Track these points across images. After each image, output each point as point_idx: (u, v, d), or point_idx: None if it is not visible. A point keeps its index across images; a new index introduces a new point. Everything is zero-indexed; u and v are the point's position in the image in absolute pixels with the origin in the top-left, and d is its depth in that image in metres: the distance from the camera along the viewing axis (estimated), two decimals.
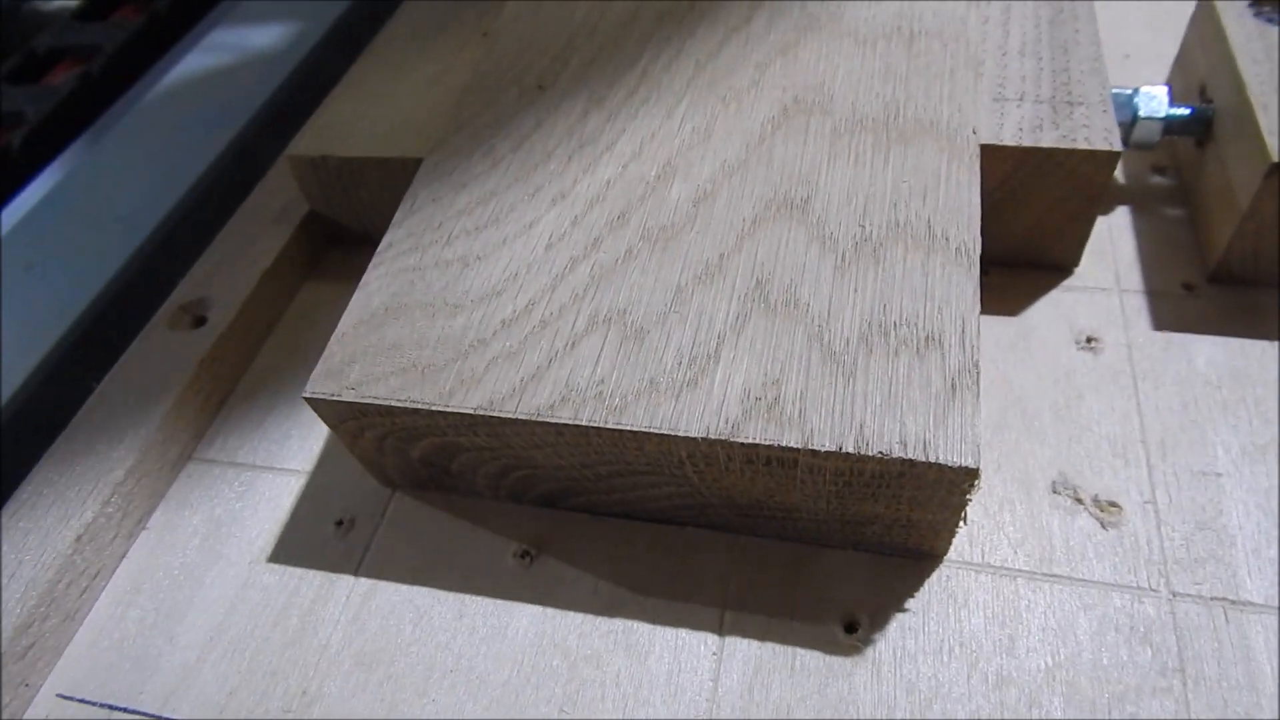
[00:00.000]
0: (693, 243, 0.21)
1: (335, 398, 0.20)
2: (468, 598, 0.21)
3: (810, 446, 0.17)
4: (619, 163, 0.23)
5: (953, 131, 0.22)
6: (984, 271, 0.26)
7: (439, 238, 0.23)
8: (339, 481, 0.24)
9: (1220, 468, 0.21)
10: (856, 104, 0.23)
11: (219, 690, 0.20)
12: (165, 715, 0.20)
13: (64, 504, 0.23)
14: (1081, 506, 0.21)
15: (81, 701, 0.21)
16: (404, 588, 0.22)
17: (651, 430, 0.18)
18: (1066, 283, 0.25)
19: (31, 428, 0.27)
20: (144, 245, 0.35)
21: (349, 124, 0.29)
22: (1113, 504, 0.21)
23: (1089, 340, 0.24)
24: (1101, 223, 0.27)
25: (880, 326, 0.19)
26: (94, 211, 0.40)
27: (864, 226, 0.21)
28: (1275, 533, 0.20)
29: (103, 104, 0.51)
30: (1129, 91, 0.26)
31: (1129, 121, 0.26)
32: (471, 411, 0.19)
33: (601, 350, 0.20)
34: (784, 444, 0.18)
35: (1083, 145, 0.23)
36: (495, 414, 0.19)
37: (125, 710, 0.20)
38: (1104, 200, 0.27)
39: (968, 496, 0.18)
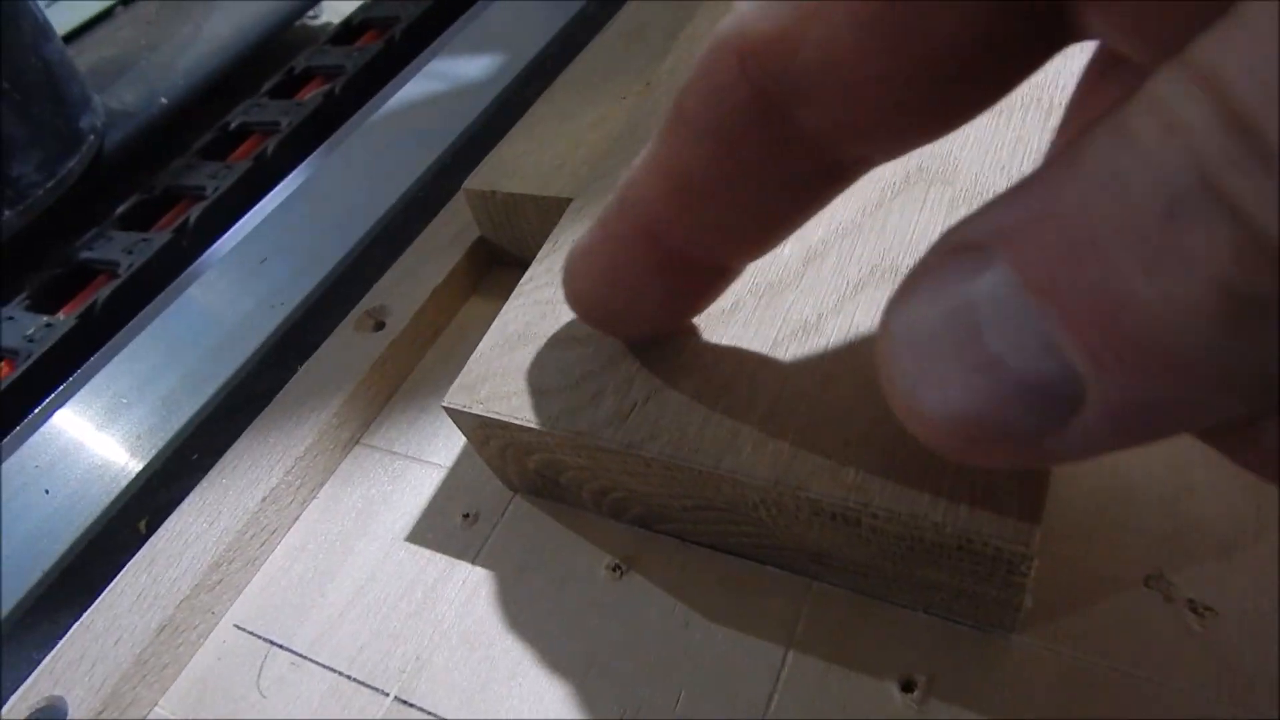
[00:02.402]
0: (795, 301, 0.23)
1: (466, 409, 0.23)
2: (562, 599, 0.24)
3: (870, 508, 0.18)
4: None
5: None
6: None
7: None
8: (471, 479, 0.27)
9: None
10: (980, 175, 0.24)
11: (352, 644, 0.24)
12: (310, 657, 0.24)
13: (256, 469, 0.27)
14: (1173, 605, 0.20)
15: (250, 634, 0.25)
16: (510, 581, 0.24)
17: (726, 474, 0.20)
18: None
19: (246, 401, 0.33)
20: (348, 252, 0.41)
21: (517, 162, 0.32)
22: (1208, 608, 0.20)
23: None
24: None
25: None
26: (318, 215, 0.46)
27: None
28: None
29: (341, 118, 0.59)
30: None
31: None
32: (573, 437, 0.22)
33: (695, 393, 0.22)
34: (845, 502, 0.19)
35: None
36: (592, 441, 0.21)
37: (281, 647, 0.25)
38: None
39: (1026, 579, 0.18)
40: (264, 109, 0.67)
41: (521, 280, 0.26)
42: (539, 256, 0.27)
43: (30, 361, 0.47)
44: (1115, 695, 0.19)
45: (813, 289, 0.23)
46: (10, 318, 0.52)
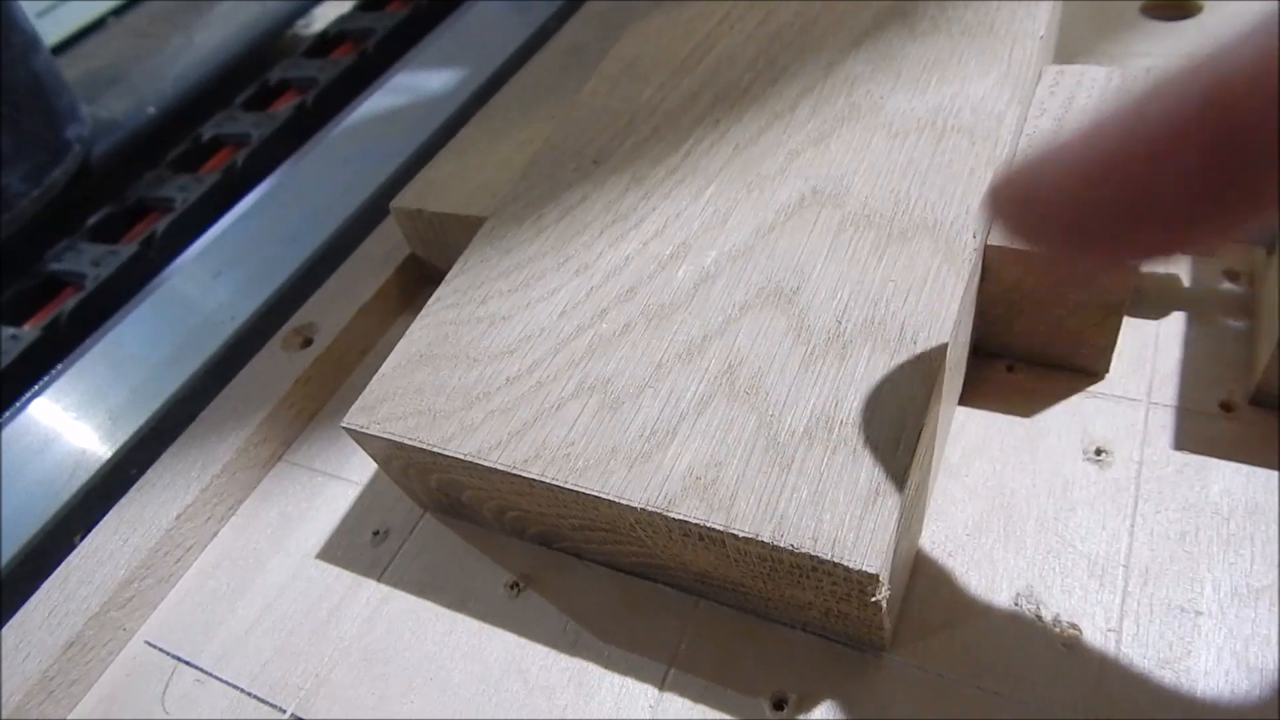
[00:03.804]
0: (683, 322, 0.23)
1: (364, 430, 0.24)
2: (459, 617, 0.24)
3: (732, 530, 0.19)
4: (641, 240, 0.26)
5: (953, 234, 0.23)
6: (1008, 368, 0.26)
7: (477, 296, 0.26)
8: (385, 497, 0.28)
9: (1202, 606, 0.20)
10: (869, 198, 0.24)
11: (255, 660, 0.25)
12: (214, 674, 0.25)
13: (174, 487, 0.28)
14: (1041, 623, 0.20)
15: (160, 650, 0.26)
16: (412, 599, 0.25)
17: (602, 495, 0.20)
18: (1094, 388, 0.25)
19: (189, 417, 0.34)
20: (298, 268, 0.42)
21: (445, 181, 0.33)
22: (1074, 626, 0.20)
23: (1099, 452, 0.23)
24: (1150, 328, 0.25)
25: (827, 422, 0.20)
26: (275, 229, 0.47)
27: (840, 322, 0.22)
28: (1244, 685, 0.19)
29: (312, 131, 0.59)
30: None
31: None
32: (462, 458, 0.22)
33: (579, 415, 0.22)
34: (709, 524, 0.19)
35: None
36: (480, 462, 0.22)
37: (188, 663, 0.25)
38: (1147, 307, 0.26)
39: (876, 599, 0.18)
40: (237, 121, 0.68)
41: (430, 300, 0.27)
42: (447, 278, 0.27)
43: None
44: (980, 714, 0.19)
45: (701, 311, 0.23)
46: None
